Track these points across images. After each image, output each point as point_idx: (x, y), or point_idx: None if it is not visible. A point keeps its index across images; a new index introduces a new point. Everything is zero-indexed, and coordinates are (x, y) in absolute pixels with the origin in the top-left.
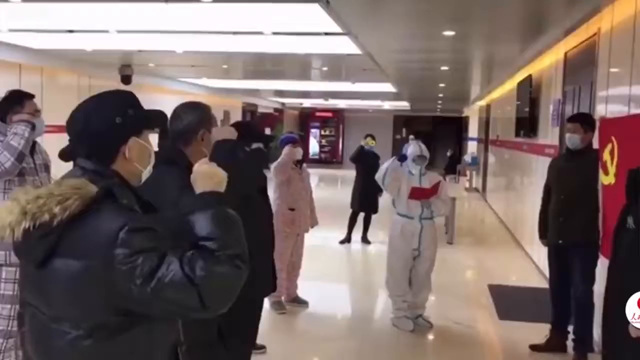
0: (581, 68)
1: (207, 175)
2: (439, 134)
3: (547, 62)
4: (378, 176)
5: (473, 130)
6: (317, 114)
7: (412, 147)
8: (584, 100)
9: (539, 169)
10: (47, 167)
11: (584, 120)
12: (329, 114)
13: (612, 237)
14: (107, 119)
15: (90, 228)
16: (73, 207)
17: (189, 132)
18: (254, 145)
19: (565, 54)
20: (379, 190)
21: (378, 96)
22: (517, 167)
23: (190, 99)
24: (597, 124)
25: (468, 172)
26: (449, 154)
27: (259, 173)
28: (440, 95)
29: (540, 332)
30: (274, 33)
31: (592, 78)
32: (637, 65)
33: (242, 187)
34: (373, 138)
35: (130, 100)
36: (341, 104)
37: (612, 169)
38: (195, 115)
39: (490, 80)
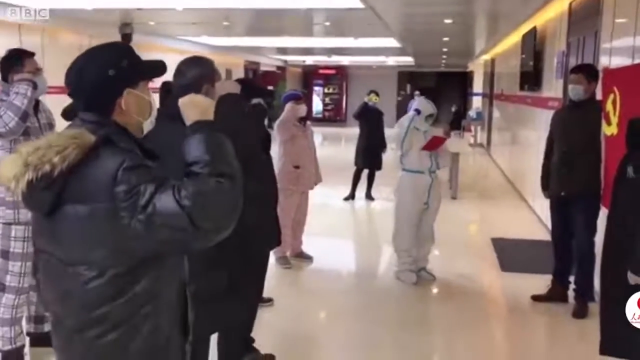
0: (586, 18)
1: (192, 105)
2: (443, 90)
3: (552, 13)
4: (397, 133)
5: (478, 85)
6: (320, 71)
7: (424, 105)
8: (587, 51)
9: (542, 123)
10: (51, 126)
11: (587, 71)
12: (332, 71)
13: (611, 187)
14: (100, 72)
15: (92, 172)
16: (72, 156)
17: (192, 87)
18: (254, 101)
19: (570, 4)
20: (383, 147)
21: (382, 52)
22: (521, 121)
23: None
24: (601, 75)
25: (472, 127)
26: (453, 109)
27: (258, 128)
28: (445, 49)
29: (541, 283)
30: None
31: (596, 28)
32: None
33: (245, 140)
34: (377, 94)
35: (124, 51)
36: (344, 60)
37: (614, 119)
38: (198, 69)
39: (495, 33)
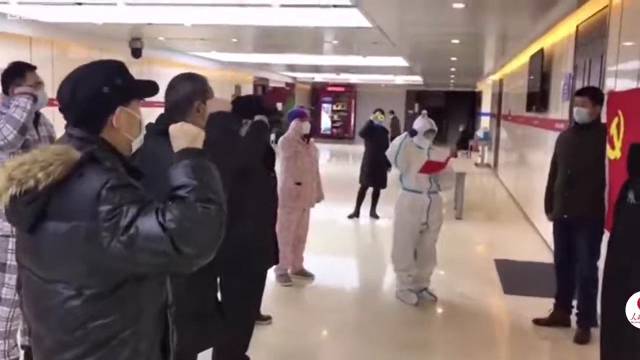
0: (592, 41)
1: (181, 133)
2: (451, 109)
3: (559, 35)
4: (390, 152)
5: (486, 105)
6: (329, 88)
7: (422, 122)
8: (594, 74)
9: (549, 144)
10: (51, 139)
11: (593, 94)
12: (341, 89)
13: (612, 211)
14: (93, 88)
15: (75, 190)
16: (56, 173)
17: (184, 103)
18: (257, 118)
19: (577, 26)
20: (387, 166)
21: (390, 70)
22: (528, 142)
23: (201, 73)
24: (606, 98)
25: (480, 147)
26: (461, 129)
27: (259, 145)
28: (453, 69)
29: (544, 306)
30: (282, 5)
31: (602, 51)
32: None
33: (238, 159)
34: (382, 112)
35: (118, 69)
36: (353, 78)
37: (618, 143)
38: (191, 86)
39: (502, 54)
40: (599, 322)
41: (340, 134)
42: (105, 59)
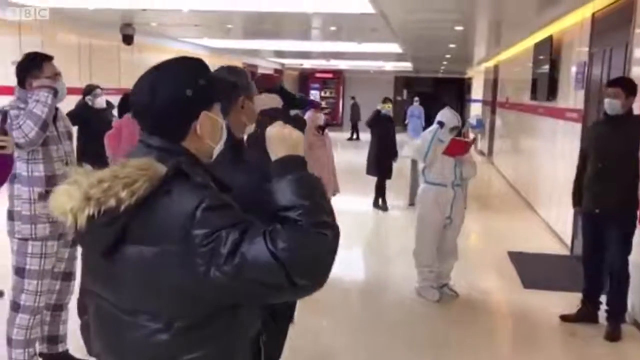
0: (613, 29)
1: (279, 139)
2: (440, 96)
3: (571, 22)
4: (421, 147)
5: (477, 92)
6: (317, 74)
7: (449, 115)
8: (616, 63)
9: (558, 133)
10: (69, 135)
11: (626, 85)
12: (329, 75)
13: None
14: (176, 92)
15: (163, 210)
16: (141, 191)
17: (226, 100)
18: (292, 113)
19: (593, 14)
20: (394, 155)
21: (381, 57)
22: (532, 131)
23: None
24: None
25: (472, 135)
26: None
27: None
28: (448, 56)
29: (566, 301)
30: None
31: (627, 40)
32: None
33: None
34: (390, 101)
35: (201, 69)
36: (342, 65)
37: None
38: (232, 79)
39: (505, 41)
40: (627, 318)
41: (329, 120)
42: (185, 57)
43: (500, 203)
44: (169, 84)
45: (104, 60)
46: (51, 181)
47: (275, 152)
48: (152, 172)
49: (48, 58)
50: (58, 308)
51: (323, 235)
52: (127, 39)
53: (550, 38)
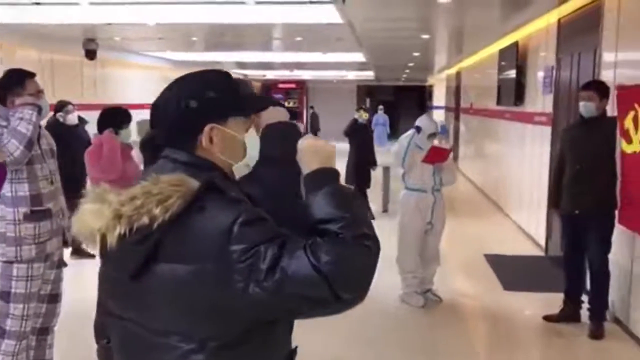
0: (581, 34)
1: (313, 151)
2: (401, 103)
3: (536, 28)
4: (397, 151)
5: (439, 98)
6: (280, 85)
7: (427, 122)
8: (585, 66)
9: (527, 137)
10: (53, 153)
11: (599, 88)
12: (292, 85)
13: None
14: (180, 102)
15: (197, 227)
16: (175, 207)
17: None
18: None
19: (559, 20)
20: (373, 164)
21: (344, 66)
22: (499, 136)
23: (155, 73)
24: (615, 92)
25: (436, 141)
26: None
27: None
28: (411, 64)
29: (547, 301)
30: (257, 3)
31: (595, 44)
32: None
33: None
34: (366, 110)
35: (215, 80)
36: (305, 75)
37: (636, 137)
38: None
39: (471, 48)
40: (607, 316)
41: None
42: (209, 69)
43: (470, 207)
44: (176, 95)
45: (66, 76)
46: (36, 201)
47: (308, 164)
48: (186, 188)
49: (30, 75)
50: (44, 332)
51: (366, 247)
52: (90, 54)
53: (515, 44)
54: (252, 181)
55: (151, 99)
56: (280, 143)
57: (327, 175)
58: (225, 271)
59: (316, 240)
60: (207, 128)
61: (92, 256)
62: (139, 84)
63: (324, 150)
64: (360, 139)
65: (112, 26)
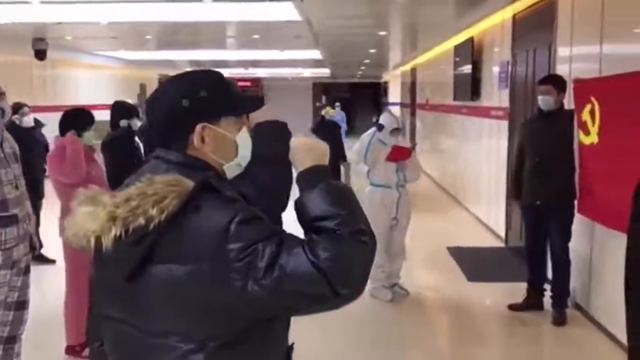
0: (536, 30)
1: (306, 149)
2: (357, 100)
3: (491, 24)
4: (359, 149)
5: (394, 95)
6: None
7: (389, 118)
8: (540, 62)
9: (484, 131)
10: (16, 156)
11: (557, 82)
12: (248, 83)
13: (633, 198)
14: (171, 102)
15: (194, 227)
16: (171, 207)
17: None
18: None
19: (514, 16)
20: (342, 161)
21: (300, 64)
22: (455, 130)
23: (106, 72)
24: (572, 85)
25: (400, 137)
26: (374, 119)
27: None
28: (367, 61)
29: (510, 291)
30: (214, 0)
31: (550, 39)
32: (608, 22)
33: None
34: (332, 107)
35: (207, 80)
36: (261, 73)
37: (593, 129)
38: None
39: (426, 44)
40: (568, 303)
41: None
42: (203, 69)
43: (430, 202)
44: (167, 95)
45: (15, 78)
46: (2, 206)
47: (302, 162)
48: (182, 188)
49: None
50: (11, 340)
51: (363, 243)
52: (40, 54)
53: (471, 40)
54: (245, 180)
55: (104, 100)
56: (272, 142)
57: (321, 172)
58: (222, 270)
59: (313, 238)
60: (198, 127)
61: (53, 262)
62: (91, 84)
63: (318, 148)
64: (328, 136)
65: (63, 25)
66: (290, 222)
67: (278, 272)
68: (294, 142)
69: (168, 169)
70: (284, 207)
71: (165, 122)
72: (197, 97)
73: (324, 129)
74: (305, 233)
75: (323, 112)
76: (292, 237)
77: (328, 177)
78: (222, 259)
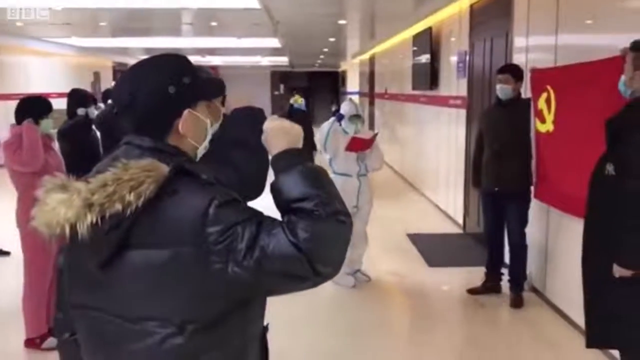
0: (493, 19)
1: (282, 132)
2: (316, 89)
3: (449, 14)
4: (319, 138)
5: (352, 84)
6: None
7: (348, 106)
8: (497, 51)
9: (442, 120)
10: None
11: (514, 71)
12: None
13: (589, 183)
14: (158, 88)
15: (171, 211)
16: (148, 192)
17: None
18: None
19: (471, 6)
20: (312, 149)
21: (258, 52)
22: (414, 119)
23: (58, 60)
24: (528, 74)
25: (364, 127)
26: (333, 108)
27: None
28: (326, 50)
29: (469, 275)
30: None
31: (507, 29)
32: (563, 13)
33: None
34: (301, 96)
35: (185, 66)
36: (217, 60)
37: (549, 117)
38: None
39: (384, 33)
40: (525, 286)
41: None
42: (168, 53)
43: (390, 190)
44: (150, 81)
45: None
46: None
47: (276, 145)
48: (158, 173)
49: None
50: None
51: (340, 222)
52: None
53: (429, 29)
54: (226, 167)
55: (55, 88)
56: (251, 128)
57: (296, 155)
58: (202, 254)
59: (291, 219)
60: (185, 113)
61: (7, 253)
62: (42, 72)
63: (292, 131)
64: (298, 122)
65: (14, 11)
66: (264, 207)
67: (258, 253)
68: (268, 125)
69: (141, 155)
70: (261, 191)
71: (150, 108)
72: (182, 84)
73: (293, 118)
74: (283, 215)
75: (292, 101)
76: (270, 218)
77: (304, 159)
78: (201, 243)
